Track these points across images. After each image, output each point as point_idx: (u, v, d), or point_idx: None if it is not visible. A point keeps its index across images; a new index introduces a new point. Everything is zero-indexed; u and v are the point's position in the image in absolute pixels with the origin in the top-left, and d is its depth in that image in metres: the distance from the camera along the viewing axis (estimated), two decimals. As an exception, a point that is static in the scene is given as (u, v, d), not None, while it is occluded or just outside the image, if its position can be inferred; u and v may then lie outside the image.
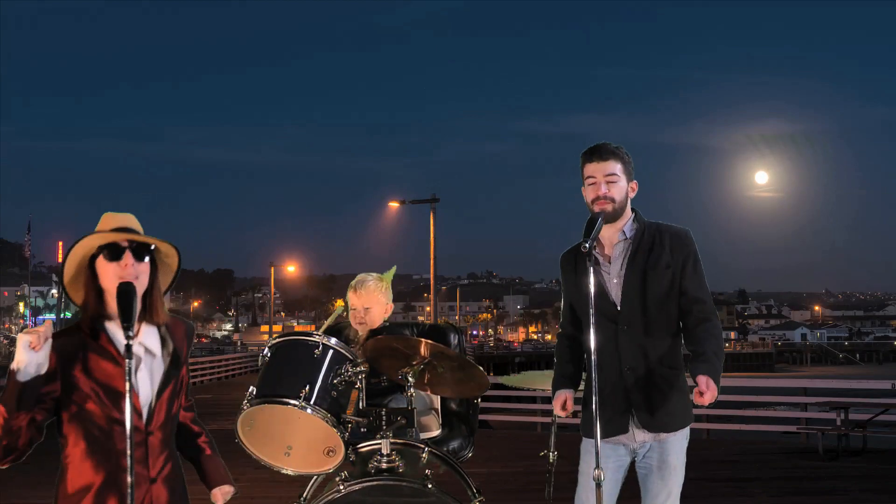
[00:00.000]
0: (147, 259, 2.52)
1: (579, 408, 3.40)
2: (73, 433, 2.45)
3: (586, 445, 3.34)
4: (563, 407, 3.35)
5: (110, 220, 2.56)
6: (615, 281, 3.26)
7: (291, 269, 61.97)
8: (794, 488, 8.68)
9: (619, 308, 3.24)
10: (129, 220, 2.59)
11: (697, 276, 3.28)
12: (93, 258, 2.49)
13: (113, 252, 2.47)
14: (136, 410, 2.44)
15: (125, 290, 2.37)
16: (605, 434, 3.17)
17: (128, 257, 2.47)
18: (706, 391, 3.03)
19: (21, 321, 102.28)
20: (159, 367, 2.54)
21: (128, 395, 2.27)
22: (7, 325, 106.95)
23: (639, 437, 3.26)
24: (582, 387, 3.95)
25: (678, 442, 3.29)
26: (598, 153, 3.26)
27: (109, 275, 2.46)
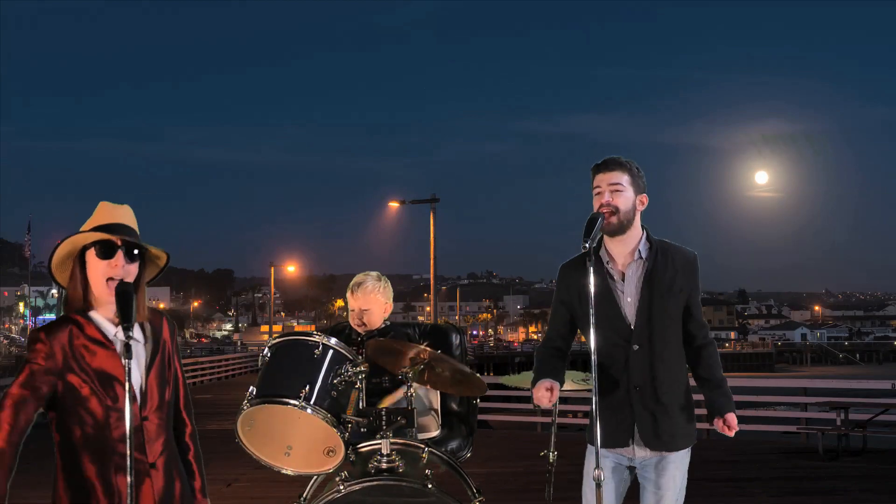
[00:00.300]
0: (137, 261, 2.56)
1: (572, 406, 3.40)
2: (69, 423, 2.46)
3: (591, 451, 3.33)
4: (549, 390, 3.25)
5: (107, 211, 2.59)
6: (629, 300, 3.26)
7: (291, 269, 61.97)
8: (794, 488, 8.68)
9: (632, 328, 3.25)
10: (126, 213, 2.61)
11: (699, 300, 3.40)
12: (84, 248, 2.52)
13: (105, 249, 2.51)
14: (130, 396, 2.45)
15: (124, 291, 2.39)
16: (606, 445, 3.21)
17: (119, 257, 2.51)
18: (734, 427, 3.31)
19: (21, 321, 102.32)
20: (142, 351, 2.57)
21: (127, 395, 2.28)
22: (7, 325, 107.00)
23: (639, 453, 3.28)
24: (583, 390, 3.95)
25: (679, 460, 3.31)
26: (605, 164, 3.30)
27: (98, 270, 2.51)
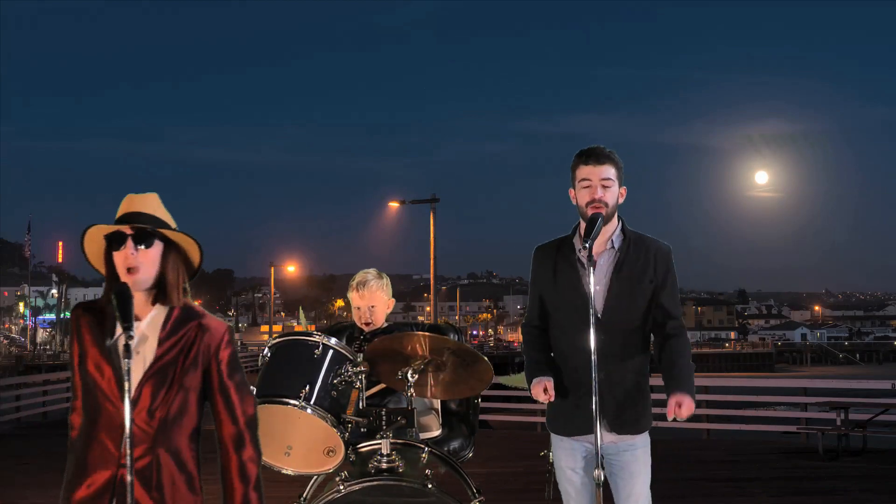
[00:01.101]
0: (155, 245, 2.50)
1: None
2: (79, 408, 2.51)
3: (555, 441, 3.39)
4: (545, 391, 3.27)
5: (125, 204, 2.56)
6: (597, 287, 3.26)
7: (291, 269, 62.05)
8: (794, 488, 8.69)
9: (600, 315, 3.24)
10: (145, 202, 2.56)
11: (674, 292, 3.36)
12: (109, 246, 2.51)
13: (116, 241, 2.49)
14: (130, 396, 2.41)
15: (120, 292, 2.37)
16: (573, 432, 3.28)
17: (128, 245, 2.47)
18: (684, 404, 3.14)
19: (21, 321, 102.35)
20: (151, 352, 2.47)
21: (127, 395, 2.27)
22: (7, 325, 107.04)
23: (606, 438, 3.26)
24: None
25: (645, 444, 3.34)
26: (595, 156, 3.27)
27: (118, 262, 2.49)
